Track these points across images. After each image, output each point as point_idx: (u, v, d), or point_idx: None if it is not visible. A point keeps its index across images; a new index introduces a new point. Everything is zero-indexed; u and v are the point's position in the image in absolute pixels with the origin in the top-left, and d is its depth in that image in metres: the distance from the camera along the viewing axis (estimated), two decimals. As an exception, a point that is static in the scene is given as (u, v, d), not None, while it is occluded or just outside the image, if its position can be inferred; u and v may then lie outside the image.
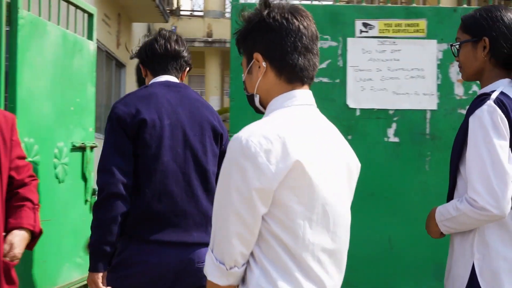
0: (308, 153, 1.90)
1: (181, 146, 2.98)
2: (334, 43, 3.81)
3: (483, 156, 2.28)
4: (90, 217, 3.11)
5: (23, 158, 2.59)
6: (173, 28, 19.95)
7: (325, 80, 3.81)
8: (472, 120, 2.36)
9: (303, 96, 2.04)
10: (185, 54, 3.21)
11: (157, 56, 3.16)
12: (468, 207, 2.33)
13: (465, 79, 2.62)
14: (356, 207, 3.80)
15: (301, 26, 2.02)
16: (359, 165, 2.11)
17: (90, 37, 4.78)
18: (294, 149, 1.86)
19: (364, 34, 3.85)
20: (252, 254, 1.92)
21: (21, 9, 3.74)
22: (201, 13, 23.55)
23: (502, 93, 2.38)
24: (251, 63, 2.06)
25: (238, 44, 2.12)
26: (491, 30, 2.44)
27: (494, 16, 2.44)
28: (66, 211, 4.16)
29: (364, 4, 3.95)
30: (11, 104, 3.69)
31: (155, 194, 2.92)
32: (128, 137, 2.89)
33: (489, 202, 2.26)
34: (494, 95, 2.37)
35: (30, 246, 2.57)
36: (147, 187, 2.91)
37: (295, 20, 2.02)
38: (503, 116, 2.30)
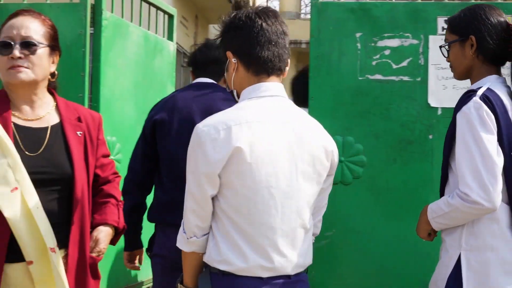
0: (253, 140, 2.14)
1: (188, 134, 3.16)
2: (415, 41, 3.73)
3: (472, 151, 2.35)
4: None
5: (107, 156, 2.65)
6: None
7: (405, 78, 3.73)
8: (459, 116, 2.44)
9: (268, 87, 2.27)
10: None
11: (198, 62, 3.55)
12: (460, 201, 2.38)
13: (457, 78, 2.71)
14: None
15: (263, 24, 2.27)
16: (331, 149, 2.33)
17: (170, 37, 4.86)
18: (237, 137, 2.12)
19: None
20: (211, 228, 2.22)
21: (105, 10, 3.84)
22: (276, 14, 23.56)
23: (488, 89, 2.46)
24: (227, 61, 2.31)
25: (219, 46, 2.39)
26: (477, 28, 2.55)
27: (478, 15, 2.55)
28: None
29: (446, 0, 3.86)
30: (94, 104, 3.79)
31: (171, 182, 3.28)
32: (146, 140, 3.37)
33: (481, 196, 2.31)
34: (480, 92, 2.45)
35: (113, 241, 2.62)
36: (165, 176, 3.31)
37: (258, 19, 2.27)
38: (489, 111, 2.38)
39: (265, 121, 2.19)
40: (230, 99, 3.28)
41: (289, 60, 2.38)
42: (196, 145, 2.16)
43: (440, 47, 2.72)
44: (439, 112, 3.72)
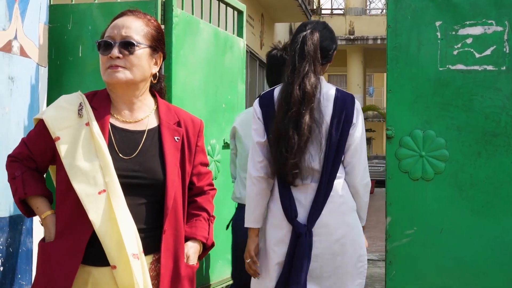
0: None
1: None
2: (499, 28, 3.56)
3: (251, 136, 3.08)
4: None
5: (206, 165, 2.54)
6: (314, 27, 19.93)
7: (489, 68, 3.56)
8: None
9: None
10: None
11: None
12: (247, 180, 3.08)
13: None
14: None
15: None
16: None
17: (240, 34, 4.79)
18: None
19: (533, 16, 3.58)
20: None
21: (175, 7, 3.80)
22: (341, 11, 23.37)
23: (272, 89, 3.06)
24: None
25: None
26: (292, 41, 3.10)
27: (299, 29, 3.05)
28: (218, 208, 4.17)
29: (531, -16, 3.67)
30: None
31: None
32: None
33: (250, 166, 3.02)
34: (263, 92, 3.12)
35: (200, 257, 2.53)
36: None
37: None
38: (257, 107, 3.05)
39: None
40: None
41: None
42: None
43: None
44: (526, 102, 3.54)
